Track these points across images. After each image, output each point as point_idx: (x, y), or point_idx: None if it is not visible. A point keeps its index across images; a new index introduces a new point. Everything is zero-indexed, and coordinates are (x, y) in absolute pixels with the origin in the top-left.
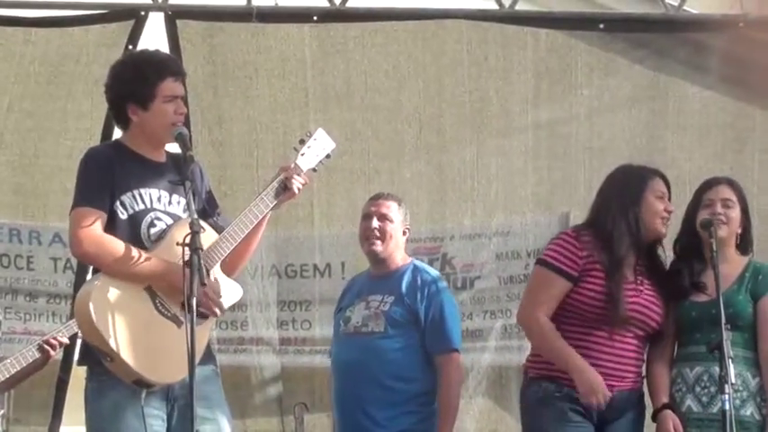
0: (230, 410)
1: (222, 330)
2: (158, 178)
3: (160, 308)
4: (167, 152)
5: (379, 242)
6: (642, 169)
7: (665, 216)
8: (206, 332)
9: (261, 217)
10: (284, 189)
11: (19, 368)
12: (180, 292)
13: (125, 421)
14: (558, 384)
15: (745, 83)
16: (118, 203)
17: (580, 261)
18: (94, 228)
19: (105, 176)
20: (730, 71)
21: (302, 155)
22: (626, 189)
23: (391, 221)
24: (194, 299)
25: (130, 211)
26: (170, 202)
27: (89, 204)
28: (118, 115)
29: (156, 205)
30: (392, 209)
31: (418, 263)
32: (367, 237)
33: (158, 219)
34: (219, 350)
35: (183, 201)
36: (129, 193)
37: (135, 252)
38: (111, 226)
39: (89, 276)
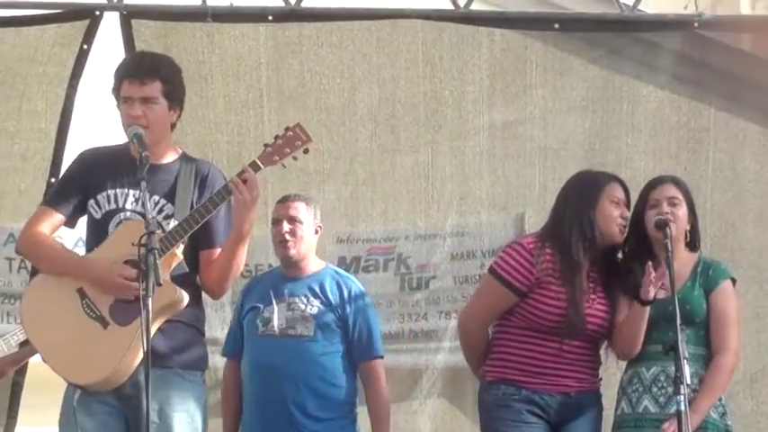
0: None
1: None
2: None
3: (86, 309)
4: (182, 155)
5: (291, 246)
6: (599, 174)
7: (621, 222)
8: (133, 332)
9: (207, 216)
10: (228, 191)
11: None
12: (106, 292)
13: (69, 417)
14: (516, 387)
15: (700, 83)
16: (92, 202)
17: (532, 275)
18: (39, 227)
19: (79, 178)
20: (684, 71)
21: (268, 150)
22: (582, 194)
23: (301, 223)
24: (150, 299)
25: (103, 211)
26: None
27: (49, 204)
28: None
29: (129, 206)
30: (300, 210)
31: (337, 269)
32: (280, 241)
33: (128, 219)
34: None
35: (161, 201)
36: (104, 193)
37: (64, 252)
38: (88, 225)
39: None
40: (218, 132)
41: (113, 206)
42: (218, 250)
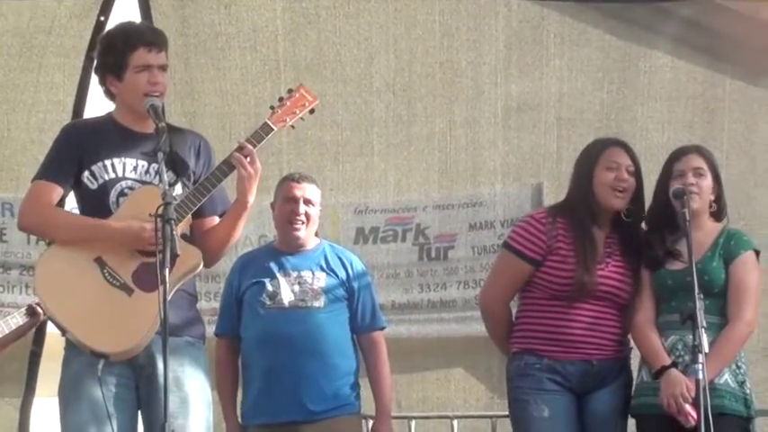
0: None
1: (206, 302)
2: (138, 148)
3: (108, 278)
4: (165, 125)
5: (304, 227)
6: (599, 141)
7: (616, 185)
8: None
9: (214, 188)
10: (231, 166)
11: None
12: (130, 260)
13: (85, 389)
14: (537, 356)
15: (716, 52)
16: (87, 173)
17: (544, 243)
18: (41, 201)
19: (71, 150)
20: (701, 41)
21: (277, 112)
22: (581, 164)
23: (314, 206)
24: (167, 270)
25: (100, 181)
26: (147, 172)
27: (45, 178)
28: (104, 88)
29: (129, 174)
30: (315, 193)
31: (331, 243)
32: (291, 221)
33: (130, 188)
34: None
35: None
36: (99, 164)
37: (82, 218)
38: (80, 197)
39: None
40: (235, 104)
41: (112, 175)
42: (212, 219)
